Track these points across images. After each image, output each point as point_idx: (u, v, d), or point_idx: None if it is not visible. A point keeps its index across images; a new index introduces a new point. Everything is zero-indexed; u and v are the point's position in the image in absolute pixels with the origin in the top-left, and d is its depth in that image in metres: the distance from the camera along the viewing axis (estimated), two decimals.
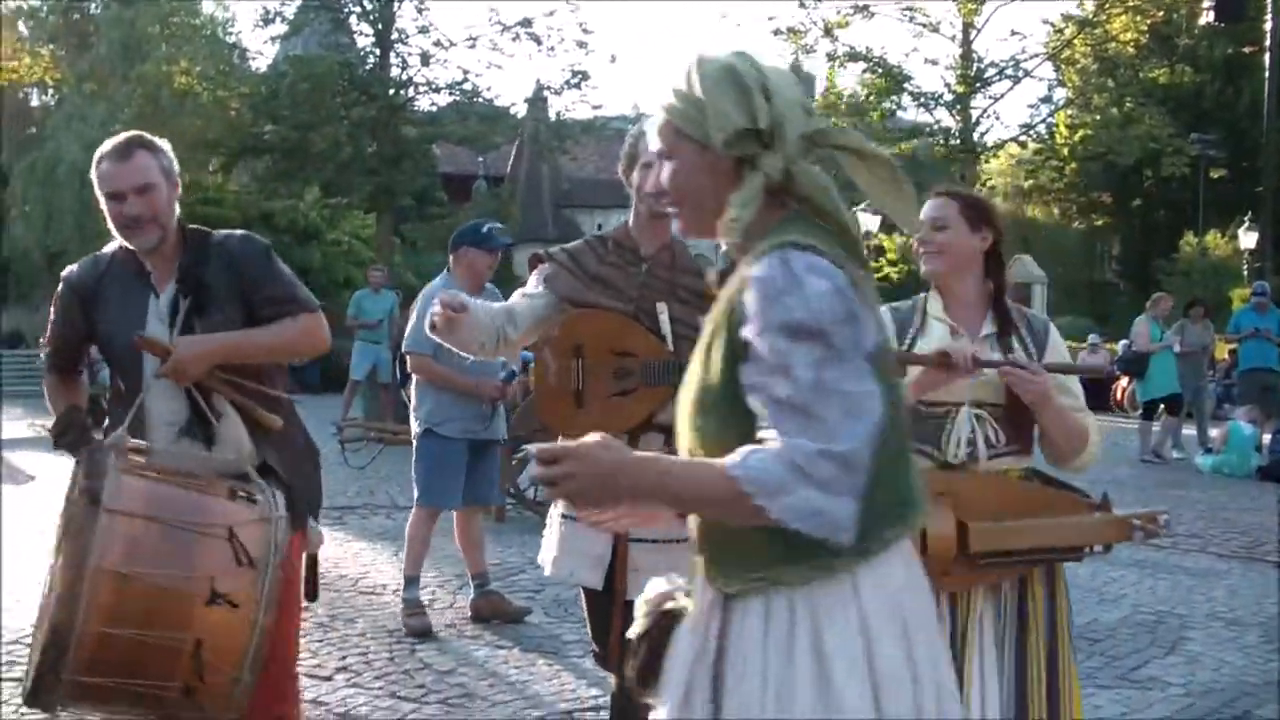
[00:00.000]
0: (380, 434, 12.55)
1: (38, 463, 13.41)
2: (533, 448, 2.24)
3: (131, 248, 3.92)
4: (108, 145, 3.92)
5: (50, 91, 34.92)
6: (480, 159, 38.45)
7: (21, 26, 34.41)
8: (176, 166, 4.00)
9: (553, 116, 32.06)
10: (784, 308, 2.09)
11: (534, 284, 4.32)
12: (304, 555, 3.99)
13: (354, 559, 9.16)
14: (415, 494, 7.40)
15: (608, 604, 4.24)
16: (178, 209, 3.95)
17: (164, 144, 3.96)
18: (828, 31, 33.12)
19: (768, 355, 2.10)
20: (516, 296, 4.35)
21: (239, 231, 4.10)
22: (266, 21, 29.87)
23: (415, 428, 7.37)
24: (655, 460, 2.24)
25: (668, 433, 4.09)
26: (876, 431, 2.09)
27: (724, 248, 2.35)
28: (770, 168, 2.23)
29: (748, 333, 2.13)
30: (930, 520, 3.38)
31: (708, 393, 2.26)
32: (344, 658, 6.59)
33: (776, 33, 33.41)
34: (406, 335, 7.34)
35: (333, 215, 28.28)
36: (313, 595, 4.12)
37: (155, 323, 3.87)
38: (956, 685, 2.41)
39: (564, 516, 4.28)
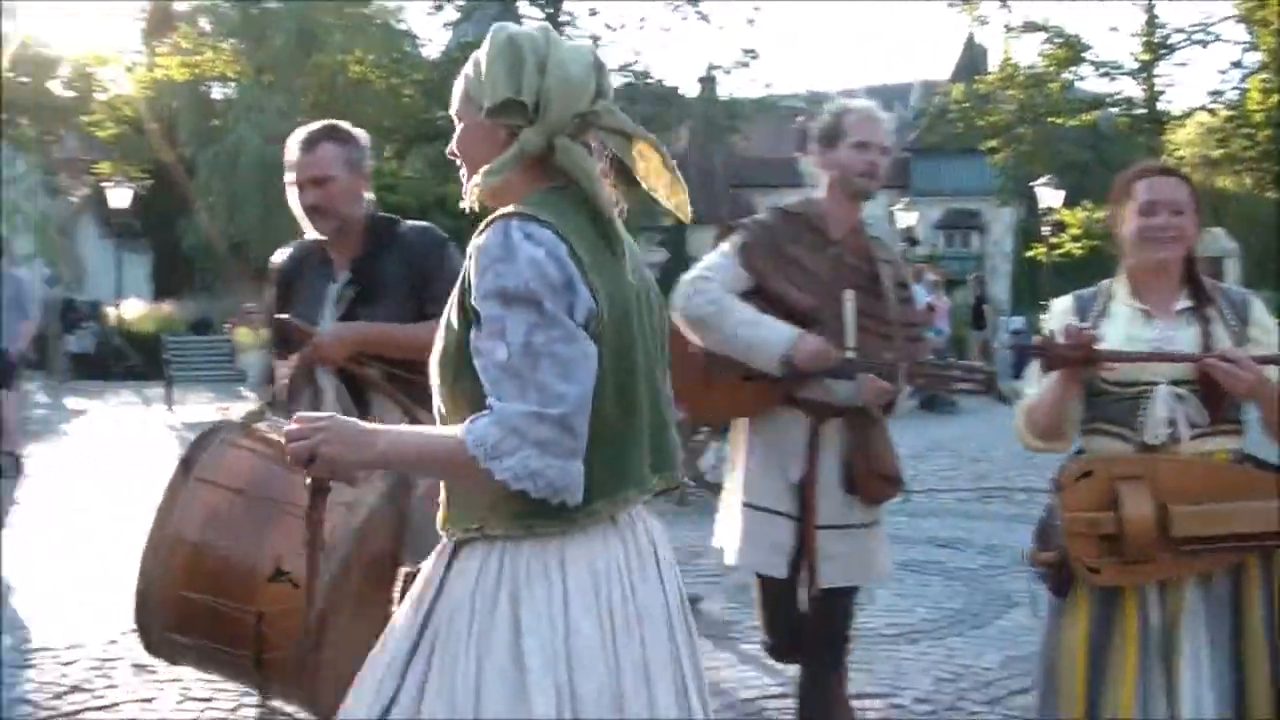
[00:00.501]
0: None
1: None
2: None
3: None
4: (300, 133, 4.03)
5: (230, 84, 35.90)
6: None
7: (203, 22, 35.51)
8: (367, 157, 4.06)
9: (723, 96, 31.95)
10: (497, 275, 2.17)
11: (726, 254, 4.19)
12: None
13: None
14: None
15: (787, 592, 4.18)
16: (368, 197, 4.05)
17: (359, 134, 4.04)
18: (1003, 1, 32.34)
19: (486, 321, 2.18)
20: (702, 271, 4.18)
21: (422, 223, 4.15)
22: (437, 8, 30.32)
23: None
24: (397, 429, 2.39)
25: (812, 409, 4.13)
26: (589, 393, 2.18)
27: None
28: (528, 140, 2.29)
29: (473, 299, 2.21)
30: (1126, 502, 3.30)
31: (447, 355, 2.32)
32: None
33: (951, 4, 32.73)
34: None
35: None
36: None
37: (329, 308, 3.99)
38: (692, 685, 2.38)
39: (746, 505, 4.23)
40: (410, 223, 4.11)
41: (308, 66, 32.74)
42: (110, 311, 31.18)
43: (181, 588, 3.33)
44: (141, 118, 31.25)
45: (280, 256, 4.22)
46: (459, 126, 2.44)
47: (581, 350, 2.18)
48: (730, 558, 4.30)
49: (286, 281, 4.14)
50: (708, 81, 31.95)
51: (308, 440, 2.25)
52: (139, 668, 5.95)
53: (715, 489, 10.43)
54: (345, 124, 4.08)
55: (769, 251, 4.14)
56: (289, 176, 3.97)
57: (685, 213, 2.47)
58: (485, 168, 2.30)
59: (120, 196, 28.74)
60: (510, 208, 2.24)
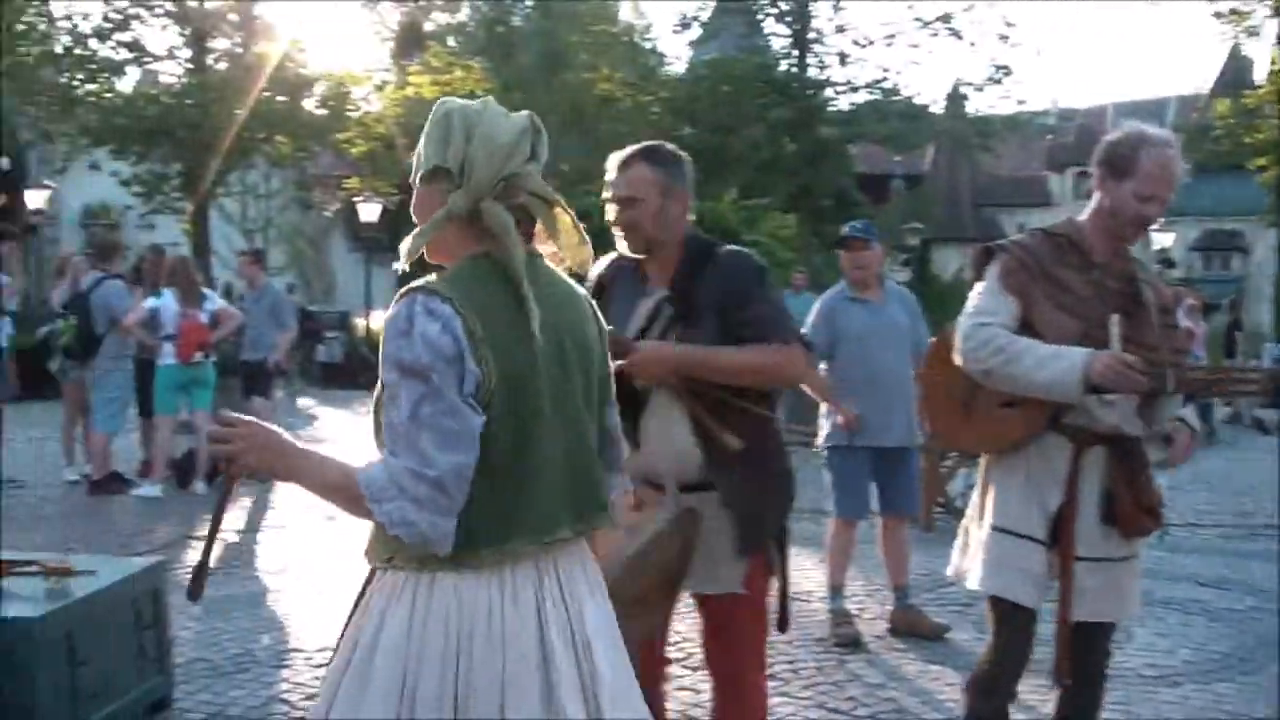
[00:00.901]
0: (805, 438, 12.25)
1: None
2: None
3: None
4: (619, 153, 4.02)
5: (477, 99, 36.50)
6: (896, 157, 37.93)
7: (451, 41, 36.17)
8: (685, 181, 3.99)
9: (971, 112, 31.16)
10: (397, 347, 2.45)
11: (992, 288, 4.06)
12: (765, 578, 4.03)
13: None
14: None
15: (1027, 622, 4.10)
16: (687, 219, 4.00)
17: (681, 156, 4.00)
18: (1277, 11, 30.69)
19: (385, 385, 2.48)
20: (977, 317, 4.06)
21: (736, 248, 4.07)
22: (684, 27, 30.27)
23: (821, 439, 7.23)
24: (310, 452, 2.57)
25: (1075, 435, 4.00)
26: (470, 461, 2.42)
27: None
28: (454, 203, 2.57)
29: (380, 364, 2.52)
30: None
31: (376, 400, 2.54)
32: (772, 665, 6.33)
33: (1218, 15, 31.27)
34: None
35: (751, 216, 28.27)
36: (784, 626, 4.15)
37: (639, 323, 3.96)
38: None
39: (997, 529, 4.10)
40: (728, 247, 4.03)
41: (555, 84, 33.10)
42: (359, 322, 31.87)
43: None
44: (392, 135, 31.96)
45: (599, 266, 4.12)
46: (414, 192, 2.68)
47: (464, 424, 2.42)
48: (973, 582, 4.20)
49: (598, 293, 3.96)
50: (956, 98, 31.21)
51: (228, 444, 2.52)
52: None
53: (963, 515, 10.07)
54: (669, 146, 4.04)
55: (1034, 275, 4.01)
56: (605, 193, 4.00)
57: (587, 268, 2.79)
58: (416, 230, 2.60)
59: (369, 211, 29.39)
60: (420, 281, 2.51)
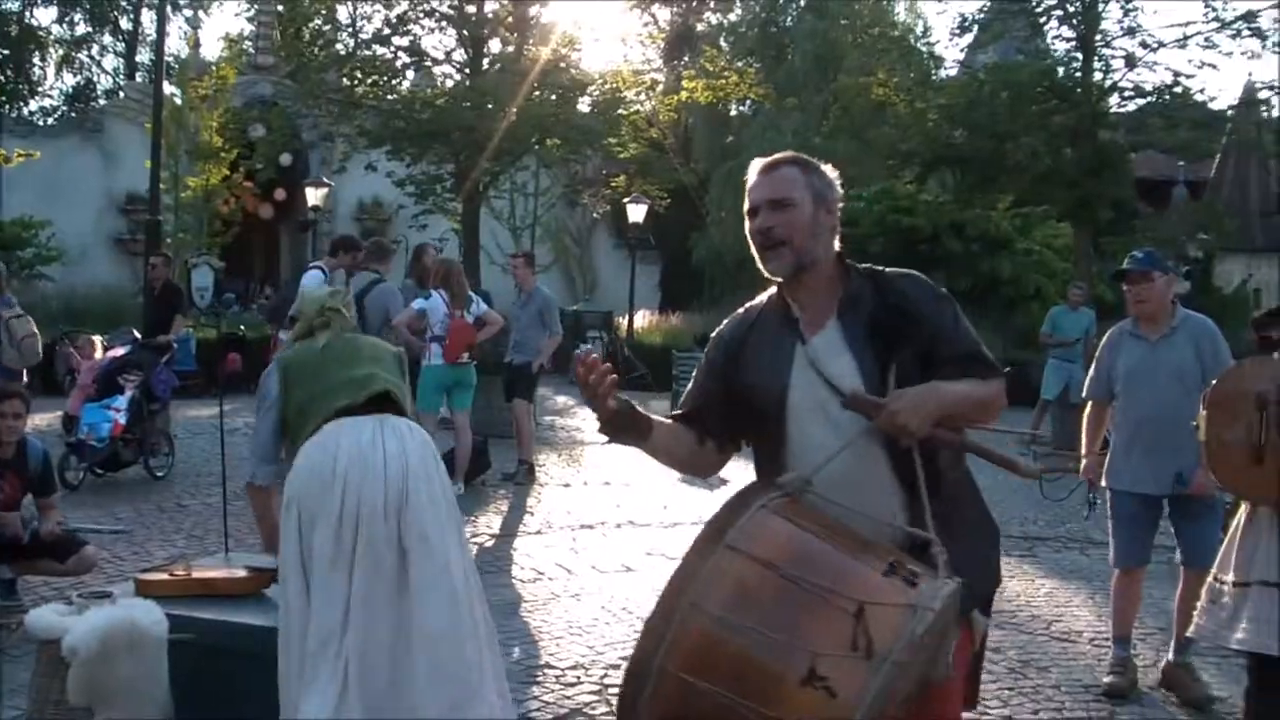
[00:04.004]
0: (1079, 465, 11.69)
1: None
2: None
3: (780, 291, 3.46)
4: (759, 160, 3.51)
5: (748, 103, 36.45)
6: (1180, 163, 36.28)
7: (722, 42, 36.15)
8: (835, 192, 3.44)
9: (1267, 116, 29.55)
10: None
11: None
12: (969, 652, 3.38)
13: (1046, 599, 8.55)
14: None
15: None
16: (834, 244, 3.42)
17: (827, 169, 3.44)
18: None
19: None
20: None
21: (903, 270, 3.49)
22: (963, 29, 29.48)
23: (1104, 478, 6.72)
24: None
25: None
26: (272, 433, 5.03)
27: None
28: None
29: None
30: None
31: None
32: (1036, 711, 6.08)
33: None
34: (1088, 379, 6.89)
35: (1024, 224, 27.53)
36: (972, 702, 3.53)
37: (801, 372, 3.34)
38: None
39: (1263, 583, 3.97)
40: (891, 269, 3.47)
41: (827, 87, 32.77)
42: (620, 321, 32.11)
43: (683, 669, 2.76)
44: (663, 137, 32.16)
45: (725, 327, 3.64)
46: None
47: (267, 421, 5.02)
48: (1231, 641, 4.08)
49: (731, 352, 3.54)
50: (1251, 102, 29.56)
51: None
52: None
53: None
54: (812, 159, 3.49)
55: None
56: (745, 203, 3.44)
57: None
58: None
59: (637, 211, 29.54)
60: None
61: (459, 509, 4.94)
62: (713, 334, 3.66)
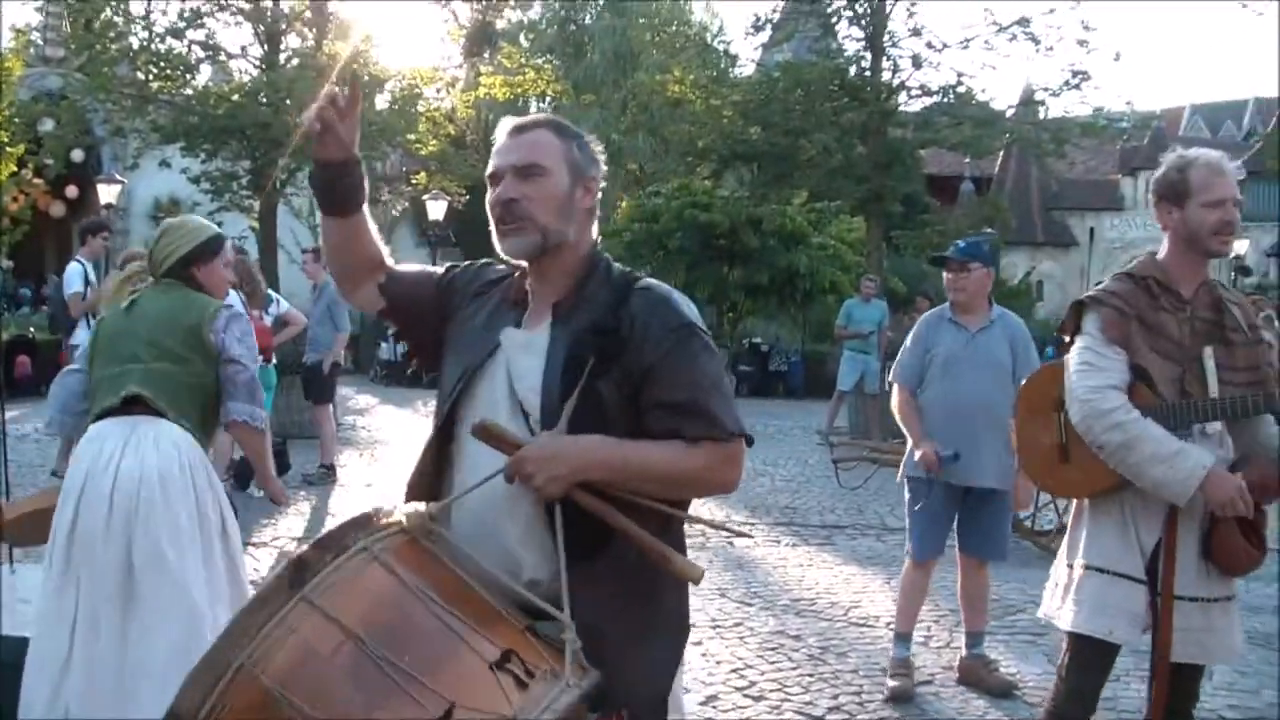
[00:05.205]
0: (874, 455, 12.02)
1: None
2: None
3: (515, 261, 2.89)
4: (509, 119, 2.96)
5: (547, 99, 36.44)
6: (966, 160, 37.43)
7: (522, 39, 36.09)
8: (598, 170, 2.89)
9: (1047, 117, 30.68)
10: None
11: (1097, 343, 4.03)
12: None
13: (845, 584, 8.79)
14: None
15: (1108, 662, 4.11)
16: (592, 232, 2.89)
17: (590, 140, 2.91)
18: None
19: None
20: (1095, 378, 3.99)
21: (664, 288, 2.82)
22: (756, 29, 30.01)
23: (901, 468, 6.59)
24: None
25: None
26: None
27: None
28: None
29: None
30: None
31: None
32: (836, 696, 6.24)
33: None
34: (895, 364, 6.71)
35: (818, 218, 28.05)
36: None
37: (499, 368, 2.77)
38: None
39: (1092, 568, 4.07)
40: (650, 281, 2.83)
41: (625, 84, 32.93)
42: None
43: None
44: (461, 134, 31.97)
45: (471, 263, 3.11)
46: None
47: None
48: (1067, 623, 4.14)
49: (457, 289, 3.05)
50: (1030, 102, 30.66)
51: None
52: None
53: (1033, 535, 9.74)
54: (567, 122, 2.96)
55: (1133, 324, 4.02)
56: (488, 169, 2.84)
57: None
58: None
59: (437, 208, 29.46)
60: None
61: (225, 519, 4.70)
62: (464, 262, 3.12)
